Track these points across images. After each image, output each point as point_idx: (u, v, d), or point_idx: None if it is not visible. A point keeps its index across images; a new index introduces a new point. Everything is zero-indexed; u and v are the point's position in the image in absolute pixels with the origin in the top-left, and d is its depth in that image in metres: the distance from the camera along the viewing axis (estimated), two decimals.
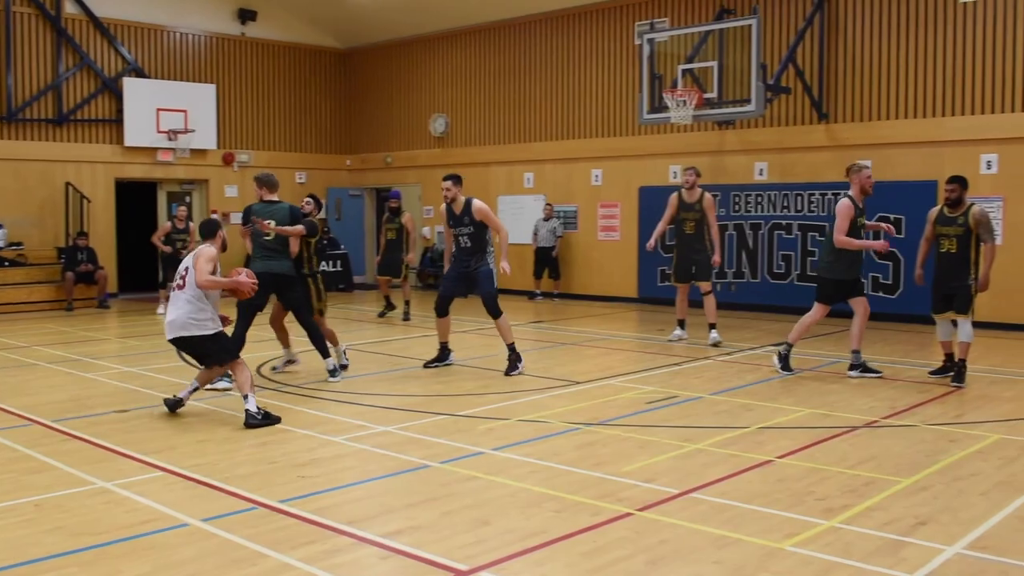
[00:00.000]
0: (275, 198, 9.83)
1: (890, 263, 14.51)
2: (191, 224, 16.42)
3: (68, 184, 18.57)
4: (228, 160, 21.03)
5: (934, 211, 9.73)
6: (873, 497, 5.72)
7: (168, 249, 16.13)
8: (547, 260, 18.49)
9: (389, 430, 7.60)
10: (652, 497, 5.73)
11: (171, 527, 5.25)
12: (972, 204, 9.49)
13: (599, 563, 4.69)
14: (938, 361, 10.10)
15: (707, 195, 12.40)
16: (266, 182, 9.91)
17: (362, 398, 8.89)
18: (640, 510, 5.48)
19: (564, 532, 5.11)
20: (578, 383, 9.61)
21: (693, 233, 12.28)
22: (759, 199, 15.90)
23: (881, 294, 14.61)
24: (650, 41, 15.47)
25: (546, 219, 18.51)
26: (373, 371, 10.50)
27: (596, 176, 18.35)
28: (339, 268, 21.02)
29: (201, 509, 5.55)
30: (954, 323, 9.56)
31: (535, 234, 18.55)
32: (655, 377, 10.00)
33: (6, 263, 17.53)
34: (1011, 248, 13.29)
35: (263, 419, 7.66)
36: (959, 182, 9.53)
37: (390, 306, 15.70)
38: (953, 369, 9.55)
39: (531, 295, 18.70)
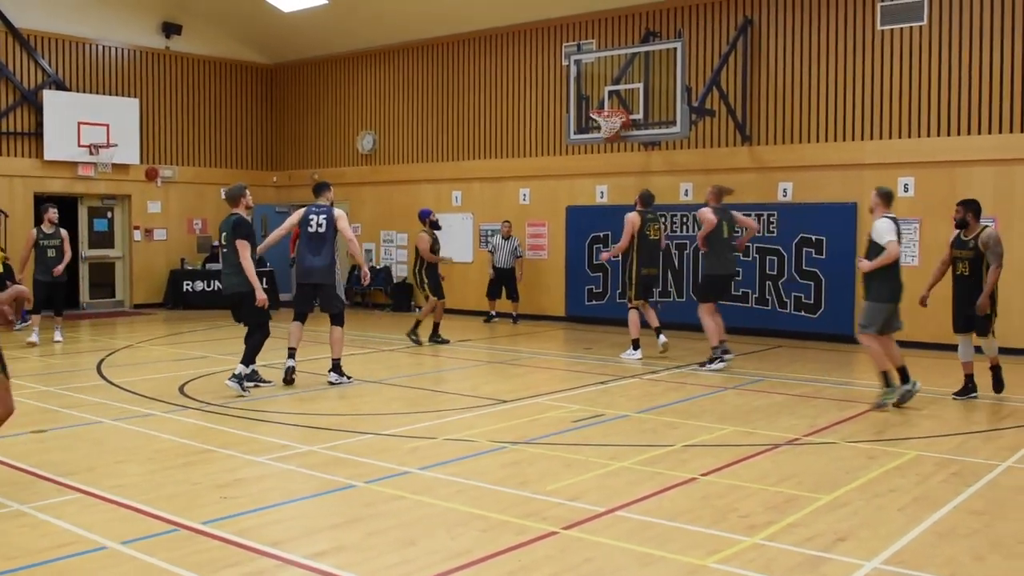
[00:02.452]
0: (233, 211, 10.24)
1: (812, 283, 14.80)
2: (62, 230, 14.96)
3: None
4: (151, 175, 20.68)
5: (953, 235, 9.87)
6: (794, 514, 5.82)
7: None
8: (506, 281, 17.71)
9: (314, 449, 7.52)
10: (578, 515, 5.75)
11: (89, 551, 5.13)
12: (985, 227, 9.61)
13: None
14: (958, 382, 10.02)
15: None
16: (227, 196, 10.59)
17: (287, 417, 8.80)
18: (565, 528, 5.50)
19: (490, 551, 5.11)
20: (505, 402, 9.62)
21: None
22: (684, 219, 16.11)
23: (803, 313, 14.89)
24: (577, 62, 15.62)
25: (505, 238, 17.76)
26: (300, 390, 10.39)
27: (524, 195, 18.42)
28: (264, 286, 20.74)
29: (120, 532, 5.43)
30: (978, 348, 9.78)
31: (492, 253, 17.93)
32: (582, 395, 10.05)
33: None
34: (926, 269, 13.64)
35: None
36: (964, 205, 9.65)
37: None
38: (973, 390, 9.80)
39: (487, 316, 18.07)
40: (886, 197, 9.42)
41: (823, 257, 14.66)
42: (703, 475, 6.75)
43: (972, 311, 9.52)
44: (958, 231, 9.75)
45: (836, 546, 5.23)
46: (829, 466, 7.10)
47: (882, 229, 9.19)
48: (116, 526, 5.57)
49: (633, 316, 12.74)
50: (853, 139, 14.71)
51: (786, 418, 8.89)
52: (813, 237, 14.74)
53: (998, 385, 9.81)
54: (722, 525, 5.59)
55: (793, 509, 5.92)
